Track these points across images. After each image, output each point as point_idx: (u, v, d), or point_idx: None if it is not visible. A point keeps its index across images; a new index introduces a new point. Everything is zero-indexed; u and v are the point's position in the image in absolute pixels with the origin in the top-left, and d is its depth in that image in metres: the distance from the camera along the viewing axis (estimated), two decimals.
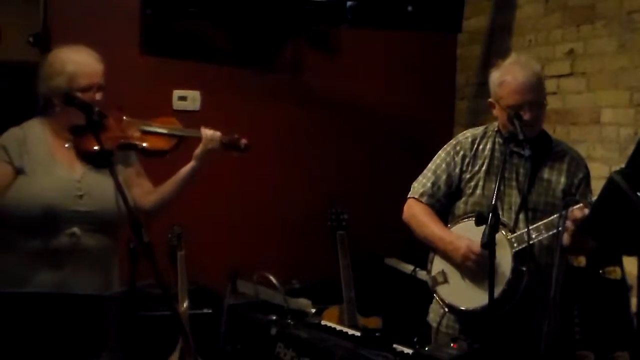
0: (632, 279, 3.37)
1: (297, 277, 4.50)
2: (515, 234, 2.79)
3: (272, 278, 3.12)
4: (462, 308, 2.89)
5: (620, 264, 3.39)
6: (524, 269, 2.76)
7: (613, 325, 3.38)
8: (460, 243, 2.87)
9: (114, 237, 3.00)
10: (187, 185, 3.19)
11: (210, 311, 4.11)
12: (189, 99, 4.57)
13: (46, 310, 2.43)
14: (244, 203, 4.65)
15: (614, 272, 3.39)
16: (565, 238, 2.67)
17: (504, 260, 2.75)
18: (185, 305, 4.00)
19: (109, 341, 2.54)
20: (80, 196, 2.87)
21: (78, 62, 2.89)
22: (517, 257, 2.76)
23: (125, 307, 3.42)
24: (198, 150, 3.15)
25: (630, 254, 2.91)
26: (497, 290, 2.71)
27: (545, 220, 2.74)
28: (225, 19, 4.46)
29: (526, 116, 2.82)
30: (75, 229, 2.85)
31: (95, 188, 2.90)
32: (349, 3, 4.40)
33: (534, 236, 2.73)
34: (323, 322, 3.02)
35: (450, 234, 2.96)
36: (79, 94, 2.84)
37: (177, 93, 4.55)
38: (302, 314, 3.23)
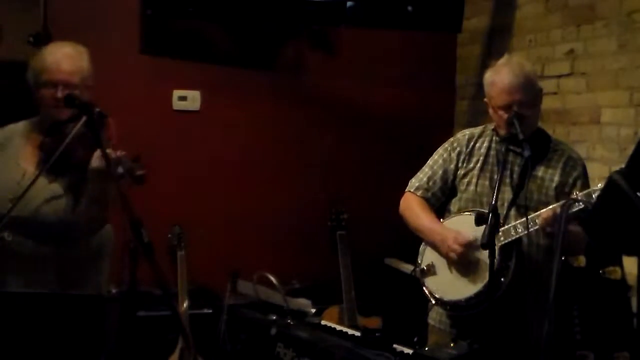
0: (632, 279, 3.37)
1: (297, 277, 4.50)
2: (503, 228, 2.81)
3: (272, 278, 3.12)
4: (447, 299, 2.93)
5: (620, 264, 3.39)
6: (510, 263, 2.80)
7: (613, 325, 3.38)
8: (447, 234, 2.92)
9: (59, 246, 2.80)
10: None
11: (210, 311, 4.11)
12: (189, 99, 4.57)
13: (46, 311, 2.43)
14: (244, 203, 4.65)
15: (614, 272, 3.39)
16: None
17: None
18: (185, 305, 4.00)
19: (109, 341, 2.54)
20: (12, 199, 2.66)
21: (45, 58, 2.82)
22: (504, 250, 2.80)
23: (125, 307, 3.42)
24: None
25: (630, 254, 2.91)
26: (482, 283, 2.76)
27: (533, 214, 2.76)
28: (225, 19, 4.46)
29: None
30: (6, 234, 2.70)
31: (33, 192, 2.69)
32: (349, 3, 4.40)
33: (520, 230, 2.78)
34: (323, 322, 3.02)
35: (439, 225, 3.01)
36: (43, 90, 2.79)
37: (177, 93, 4.55)
38: (302, 314, 3.22)
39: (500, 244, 2.77)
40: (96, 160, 2.70)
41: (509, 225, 2.82)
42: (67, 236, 2.81)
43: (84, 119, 2.67)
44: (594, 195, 2.65)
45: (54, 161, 2.68)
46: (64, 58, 2.82)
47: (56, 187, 2.80)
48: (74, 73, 2.81)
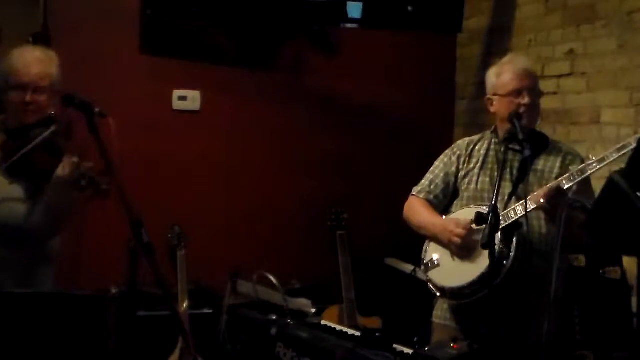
0: (632, 279, 3.37)
1: (297, 277, 4.50)
2: (503, 212, 2.85)
3: (272, 278, 3.12)
4: (450, 286, 2.96)
5: (620, 264, 3.39)
6: (511, 247, 2.83)
7: (613, 325, 3.38)
8: (448, 222, 3.00)
9: (11, 249, 2.78)
10: None
11: (210, 311, 4.11)
12: (189, 99, 4.57)
13: (45, 311, 2.43)
14: (244, 203, 4.65)
15: (614, 272, 3.39)
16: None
17: None
18: (185, 305, 4.00)
19: (109, 341, 2.54)
20: None
21: (14, 61, 2.80)
22: (505, 235, 2.84)
23: (125, 307, 3.42)
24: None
25: (630, 254, 2.91)
26: (484, 266, 2.78)
27: (530, 196, 2.79)
28: (225, 19, 4.46)
29: (524, 100, 2.95)
30: None
31: None
32: (349, 3, 4.40)
33: (519, 211, 2.83)
34: (323, 322, 3.02)
35: (440, 218, 3.08)
36: (11, 92, 2.77)
37: (177, 93, 4.55)
38: (302, 314, 3.22)
39: (501, 227, 2.80)
40: (62, 169, 2.69)
41: (507, 209, 2.87)
42: (19, 240, 2.78)
43: (53, 127, 2.69)
44: (589, 170, 2.71)
45: (16, 164, 2.68)
46: (34, 62, 2.80)
47: (14, 190, 2.78)
48: (44, 77, 2.79)
